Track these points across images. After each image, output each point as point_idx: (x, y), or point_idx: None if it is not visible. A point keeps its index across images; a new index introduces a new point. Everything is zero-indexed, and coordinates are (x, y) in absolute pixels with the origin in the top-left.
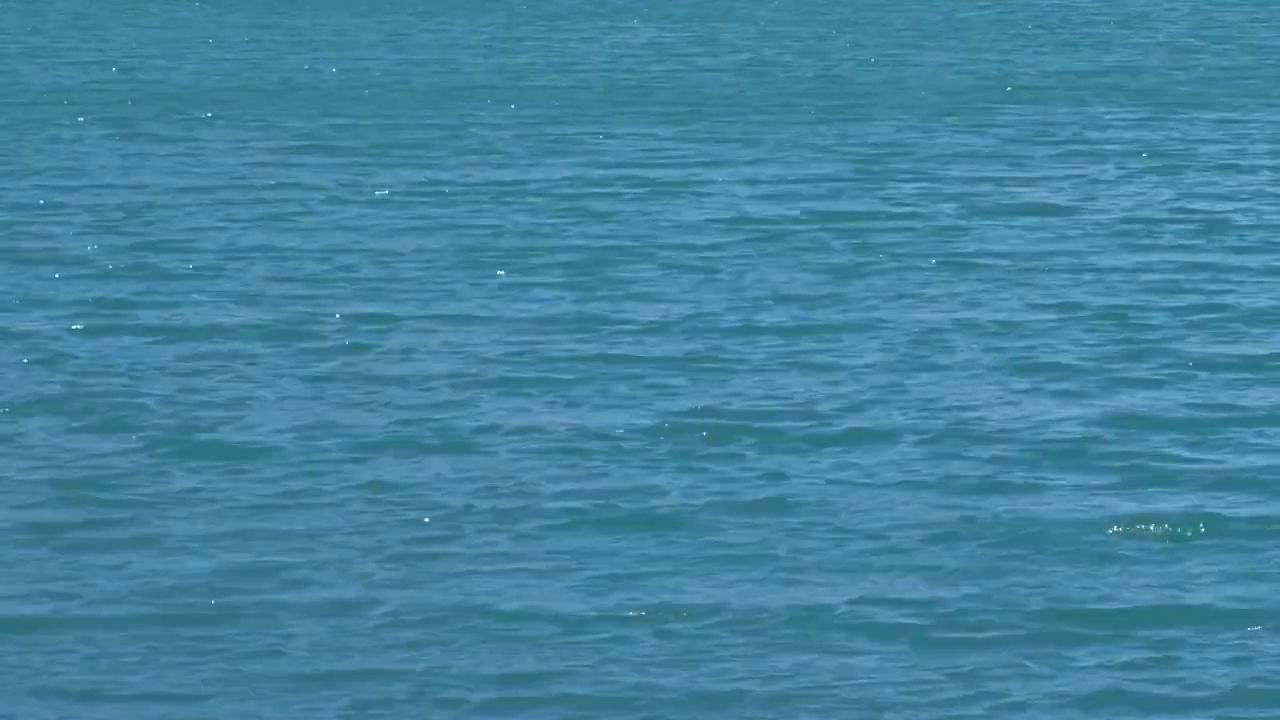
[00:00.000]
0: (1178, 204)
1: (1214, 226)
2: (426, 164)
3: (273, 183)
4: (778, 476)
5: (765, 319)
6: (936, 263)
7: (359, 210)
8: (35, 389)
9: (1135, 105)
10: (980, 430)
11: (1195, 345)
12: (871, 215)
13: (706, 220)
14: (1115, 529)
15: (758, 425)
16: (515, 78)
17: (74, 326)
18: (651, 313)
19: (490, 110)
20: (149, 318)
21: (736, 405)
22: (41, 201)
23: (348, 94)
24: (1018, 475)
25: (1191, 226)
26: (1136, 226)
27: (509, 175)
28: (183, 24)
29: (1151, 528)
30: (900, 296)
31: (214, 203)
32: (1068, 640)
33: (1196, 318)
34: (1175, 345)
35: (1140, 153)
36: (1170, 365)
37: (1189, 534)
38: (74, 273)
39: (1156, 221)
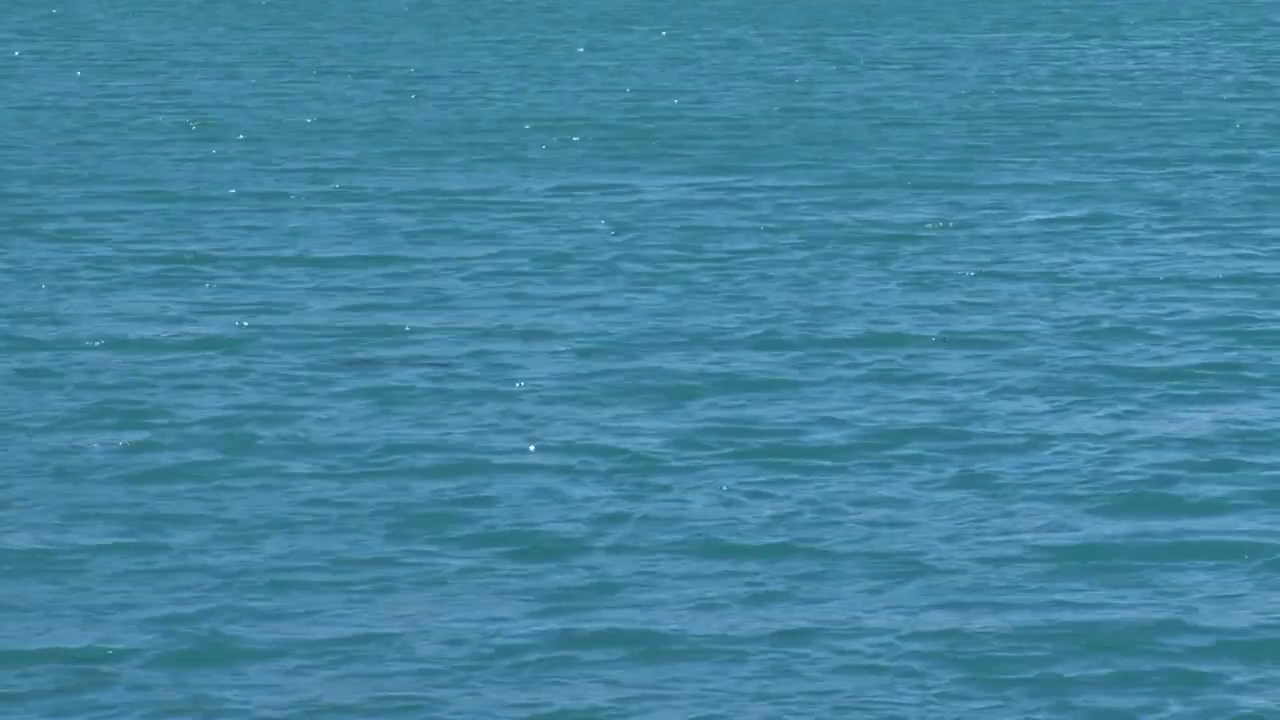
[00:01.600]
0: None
1: None
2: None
3: (332, 189)
4: (822, 499)
5: (823, 333)
6: (968, 275)
7: (415, 220)
8: (74, 399)
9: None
10: (1013, 450)
11: (1241, 359)
12: (899, 226)
13: (757, 230)
14: (1137, 551)
15: (800, 442)
16: (571, 89)
17: (116, 336)
18: (707, 327)
19: (542, 125)
20: (197, 328)
21: (785, 423)
22: (95, 209)
23: (408, 100)
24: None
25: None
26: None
27: (554, 183)
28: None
29: (1185, 550)
30: (939, 310)
31: (262, 210)
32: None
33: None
34: (1221, 360)
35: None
36: (1212, 382)
37: (1221, 556)
38: (122, 279)
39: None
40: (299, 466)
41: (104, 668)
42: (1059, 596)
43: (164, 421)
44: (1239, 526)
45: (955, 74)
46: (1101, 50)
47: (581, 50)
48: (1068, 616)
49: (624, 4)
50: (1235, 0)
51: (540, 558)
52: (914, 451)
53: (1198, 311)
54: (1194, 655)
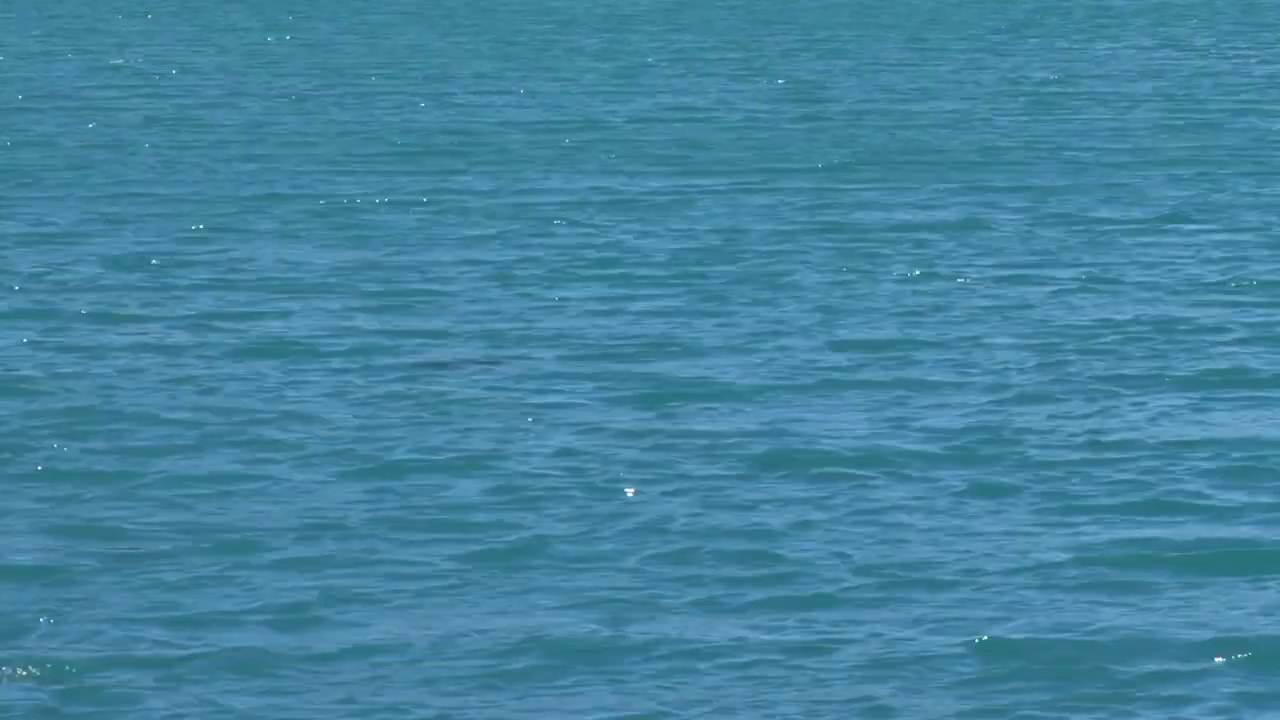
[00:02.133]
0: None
1: None
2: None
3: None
4: (850, 505)
5: (832, 336)
6: (984, 279)
7: (435, 222)
8: (74, 402)
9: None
10: (1028, 456)
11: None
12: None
13: (765, 232)
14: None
15: (815, 447)
16: (597, 97)
17: (117, 338)
18: (730, 328)
19: (547, 126)
20: (199, 330)
21: (797, 427)
22: (96, 210)
23: (411, 101)
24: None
25: None
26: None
27: (557, 184)
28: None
29: (1205, 558)
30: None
31: (263, 212)
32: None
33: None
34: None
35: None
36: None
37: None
38: (123, 280)
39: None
40: (302, 472)
41: (106, 673)
42: (1080, 604)
43: (166, 425)
44: (1271, 536)
45: (965, 74)
46: (1112, 51)
47: (587, 52)
48: (1089, 623)
49: (631, 5)
50: (1247, 1)
51: (548, 562)
52: (931, 458)
53: (1216, 316)
54: (1224, 665)
